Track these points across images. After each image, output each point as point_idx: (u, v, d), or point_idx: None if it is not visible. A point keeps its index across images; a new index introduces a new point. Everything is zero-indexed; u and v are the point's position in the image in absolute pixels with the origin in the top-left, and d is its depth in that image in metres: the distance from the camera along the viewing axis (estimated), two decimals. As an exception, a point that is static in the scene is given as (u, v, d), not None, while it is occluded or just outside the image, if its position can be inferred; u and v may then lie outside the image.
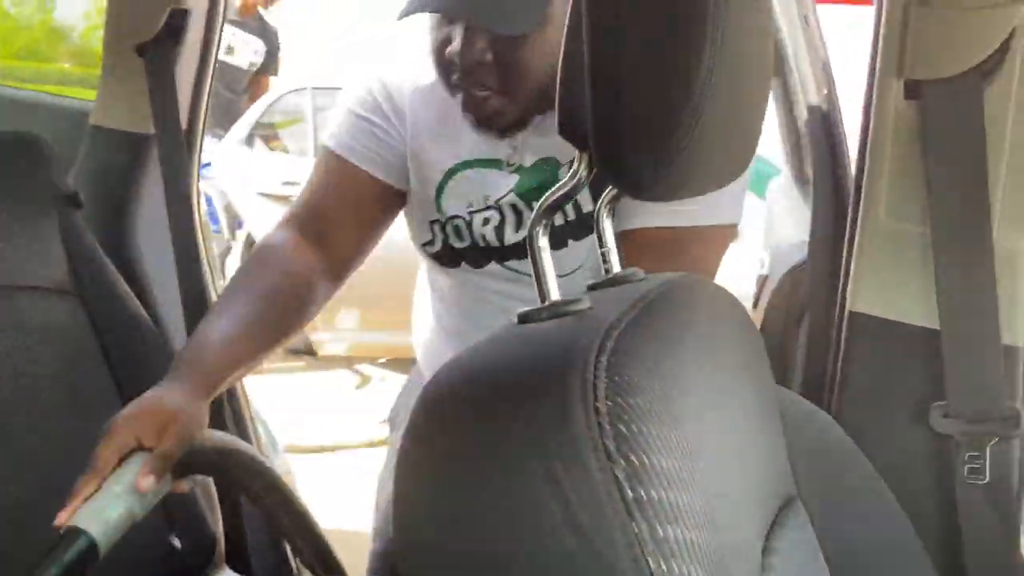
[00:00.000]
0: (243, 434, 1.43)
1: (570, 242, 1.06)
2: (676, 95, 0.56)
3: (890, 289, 0.98)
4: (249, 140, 3.81)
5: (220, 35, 1.33)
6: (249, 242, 4.12)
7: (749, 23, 0.63)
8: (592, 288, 0.79)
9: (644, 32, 0.57)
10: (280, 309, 1.01)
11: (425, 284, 1.22)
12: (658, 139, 0.57)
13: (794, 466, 0.79)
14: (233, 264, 4.15)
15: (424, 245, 1.12)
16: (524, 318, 0.65)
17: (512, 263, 1.09)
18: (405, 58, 1.09)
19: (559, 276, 1.12)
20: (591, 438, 0.50)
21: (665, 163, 0.59)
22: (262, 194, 3.57)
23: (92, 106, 1.37)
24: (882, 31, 0.91)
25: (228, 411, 1.36)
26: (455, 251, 1.09)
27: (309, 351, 4.01)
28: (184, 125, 1.30)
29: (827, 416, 0.98)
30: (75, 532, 0.80)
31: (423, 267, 1.21)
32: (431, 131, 1.06)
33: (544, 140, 1.03)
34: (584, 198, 1.03)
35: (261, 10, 3.88)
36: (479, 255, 1.09)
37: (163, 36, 1.25)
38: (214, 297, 1.36)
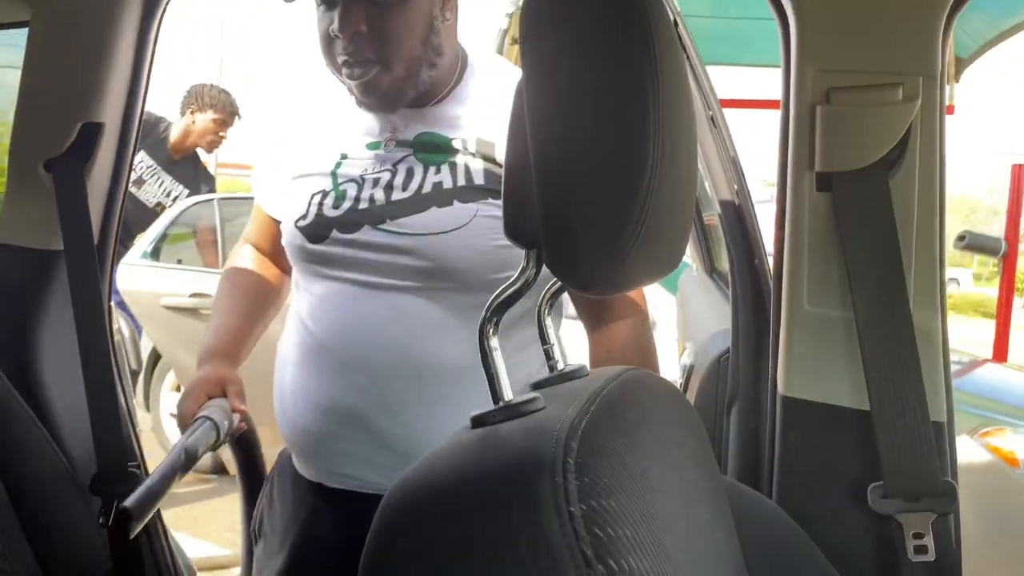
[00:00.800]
0: (160, 567, 1.33)
1: (455, 203, 1.12)
2: (624, 195, 0.57)
3: (819, 373, 1.01)
4: (155, 253, 3.70)
5: (135, 149, 1.30)
6: (154, 358, 3.94)
7: (681, 122, 0.66)
8: (538, 385, 0.78)
9: (590, 134, 0.58)
10: (263, 303, 1.38)
11: (288, 338, 1.26)
12: (608, 239, 0.58)
13: (747, 558, 0.78)
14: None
15: (296, 222, 1.19)
16: (479, 421, 0.63)
17: (387, 224, 1.13)
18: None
19: (437, 233, 1.13)
20: (567, 545, 0.48)
21: (615, 262, 0.59)
22: (168, 307, 3.45)
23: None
24: (791, 128, 0.97)
25: (146, 548, 1.27)
26: (327, 219, 1.16)
27: (220, 470, 3.83)
28: (95, 240, 1.25)
29: (773, 504, 0.98)
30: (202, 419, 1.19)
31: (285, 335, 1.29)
32: (321, 125, 1.22)
33: (419, 117, 1.16)
34: (475, 167, 1.13)
35: (202, 152, 3.73)
36: (356, 218, 1.15)
37: (74, 150, 1.21)
38: (128, 425, 1.29)
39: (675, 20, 1.36)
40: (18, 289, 1.27)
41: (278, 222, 1.26)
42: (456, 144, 1.14)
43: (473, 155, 1.13)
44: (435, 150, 1.14)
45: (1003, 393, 3.34)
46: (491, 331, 0.65)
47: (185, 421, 1.22)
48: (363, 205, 1.14)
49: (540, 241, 0.61)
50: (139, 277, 3.55)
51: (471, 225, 1.11)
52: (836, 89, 0.93)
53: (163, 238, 3.71)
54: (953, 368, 3.34)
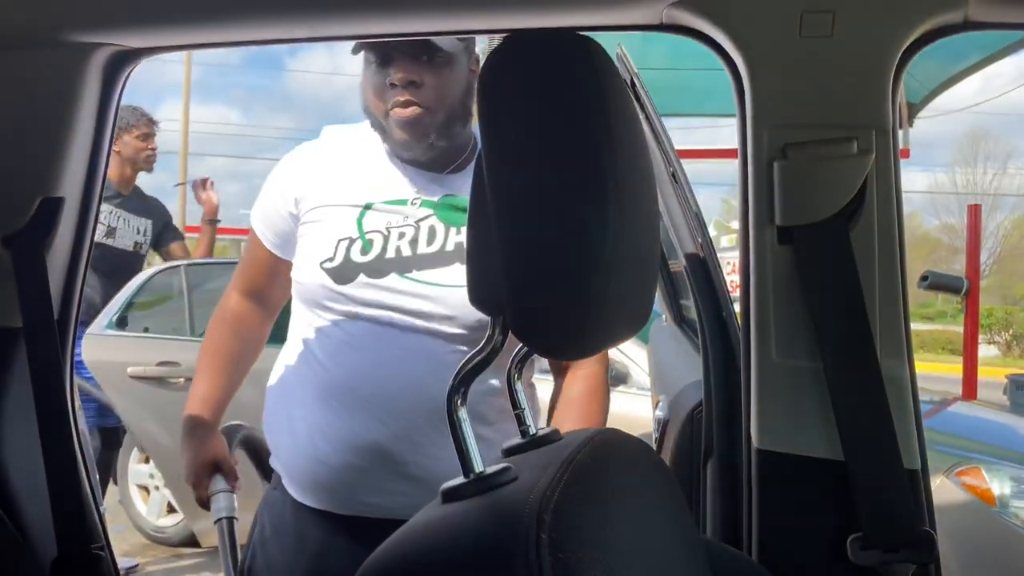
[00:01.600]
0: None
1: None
2: (587, 261, 0.57)
3: (792, 424, 1.01)
4: (121, 322, 3.64)
5: (95, 223, 1.29)
6: (120, 438, 3.84)
7: (640, 184, 0.66)
8: (510, 452, 0.77)
9: (549, 203, 0.59)
10: (239, 362, 1.50)
11: (295, 367, 1.36)
12: (573, 305, 0.58)
13: None
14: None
15: (322, 263, 1.29)
16: (450, 495, 0.62)
17: (413, 274, 1.26)
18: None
19: (460, 286, 1.21)
20: None
21: (581, 326, 0.59)
22: (135, 376, 3.39)
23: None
24: (751, 183, 0.98)
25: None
26: (355, 264, 1.27)
27: (192, 543, 3.72)
28: (56, 316, 1.22)
29: (753, 563, 0.97)
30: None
31: (282, 365, 1.40)
32: (344, 177, 1.33)
33: (440, 181, 1.32)
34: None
35: (139, 185, 3.69)
36: (383, 265, 1.27)
37: (33, 226, 1.19)
38: (92, 506, 1.24)
39: (632, 80, 1.39)
40: None
41: (278, 258, 1.42)
42: None
43: None
44: (457, 211, 1.29)
45: (975, 431, 3.37)
46: (459, 401, 0.64)
47: (203, 503, 1.48)
48: (390, 255, 1.27)
49: (505, 309, 0.61)
50: (105, 347, 3.48)
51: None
52: (792, 144, 0.95)
53: (129, 306, 3.66)
54: (925, 408, 3.38)
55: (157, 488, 3.90)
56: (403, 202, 1.31)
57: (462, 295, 1.18)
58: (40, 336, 1.17)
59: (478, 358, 0.64)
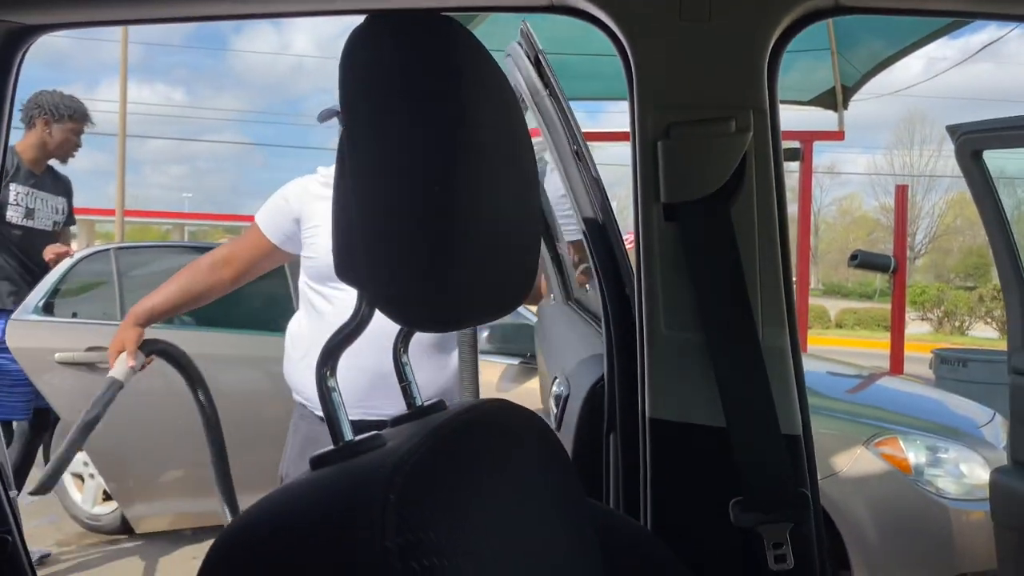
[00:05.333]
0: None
1: None
2: (436, 235, 0.60)
3: (680, 394, 1.05)
4: (47, 308, 3.56)
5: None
6: (52, 422, 3.78)
7: (505, 164, 0.69)
8: (396, 422, 0.79)
9: (405, 178, 0.61)
10: (190, 303, 2.05)
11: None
12: (424, 277, 0.60)
13: None
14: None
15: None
16: (318, 462, 0.64)
17: None
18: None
19: None
20: None
21: (437, 298, 0.61)
22: (63, 363, 3.32)
23: None
24: (638, 162, 1.02)
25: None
26: None
27: (128, 530, 3.68)
28: None
29: (641, 528, 1.01)
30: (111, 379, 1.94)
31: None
32: None
33: None
34: None
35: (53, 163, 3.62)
36: None
37: None
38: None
39: (536, 57, 1.41)
40: None
41: (275, 248, 1.99)
42: None
43: None
44: None
45: (895, 403, 3.50)
46: (328, 373, 0.66)
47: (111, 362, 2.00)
48: None
49: (367, 283, 0.63)
50: (30, 333, 3.41)
51: None
52: (675, 124, 0.98)
53: (55, 292, 3.58)
54: (852, 383, 3.48)
55: (92, 476, 3.83)
56: None
57: None
58: None
59: (343, 333, 0.66)
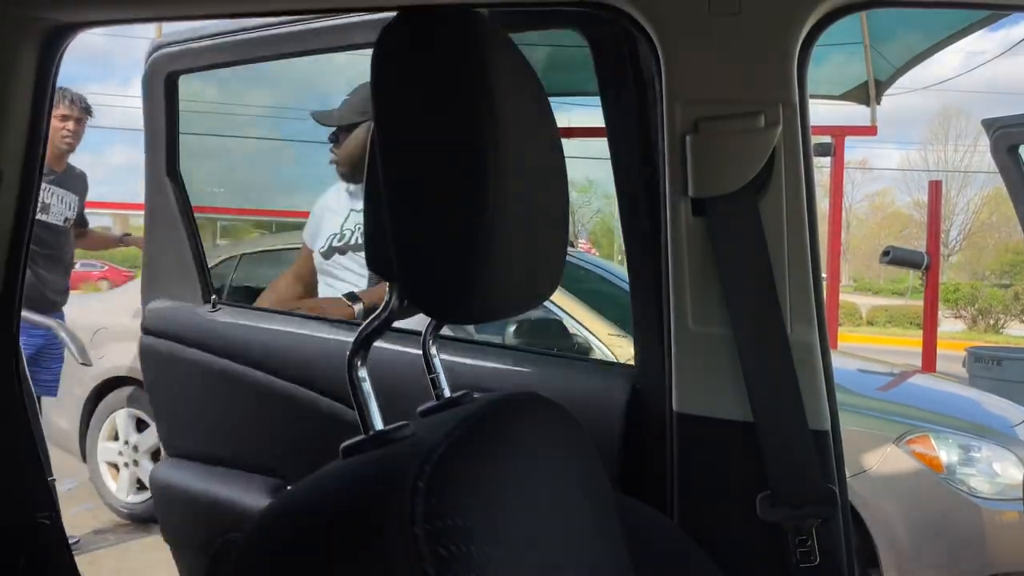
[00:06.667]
0: None
1: None
2: (467, 229, 0.61)
3: (708, 388, 1.05)
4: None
5: (36, 197, 1.30)
6: (89, 409, 3.86)
7: (536, 163, 0.69)
8: (426, 413, 0.81)
9: (435, 174, 0.62)
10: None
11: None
12: (455, 270, 0.61)
13: (639, 574, 0.81)
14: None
15: (319, 249, 2.23)
16: (349, 451, 0.66)
17: (361, 254, 1.99)
18: None
19: None
20: (409, 564, 0.50)
21: (465, 291, 0.62)
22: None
23: None
24: (666, 157, 1.02)
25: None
26: (332, 248, 2.21)
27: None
28: (0, 286, 1.24)
29: (667, 520, 1.01)
30: None
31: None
32: (344, 195, 2.25)
33: None
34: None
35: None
36: (345, 249, 2.19)
37: None
38: (42, 479, 1.26)
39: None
40: None
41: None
42: None
43: None
44: None
45: (927, 401, 3.45)
46: (359, 363, 0.67)
47: None
48: (352, 242, 2.16)
49: (397, 276, 0.64)
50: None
51: None
52: (703, 119, 0.98)
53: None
54: (883, 381, 3.44)
55: (127, 465, 3.91)
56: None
57: None
58: None
59: (376, 323, 0.67)
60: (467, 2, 1.00)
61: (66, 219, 3.60)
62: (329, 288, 2.21)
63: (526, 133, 0.68)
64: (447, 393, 0.84)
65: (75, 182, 3.64)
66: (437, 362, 0.84)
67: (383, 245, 0.65)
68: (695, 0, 0.96)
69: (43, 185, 3.44)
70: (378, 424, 0.67)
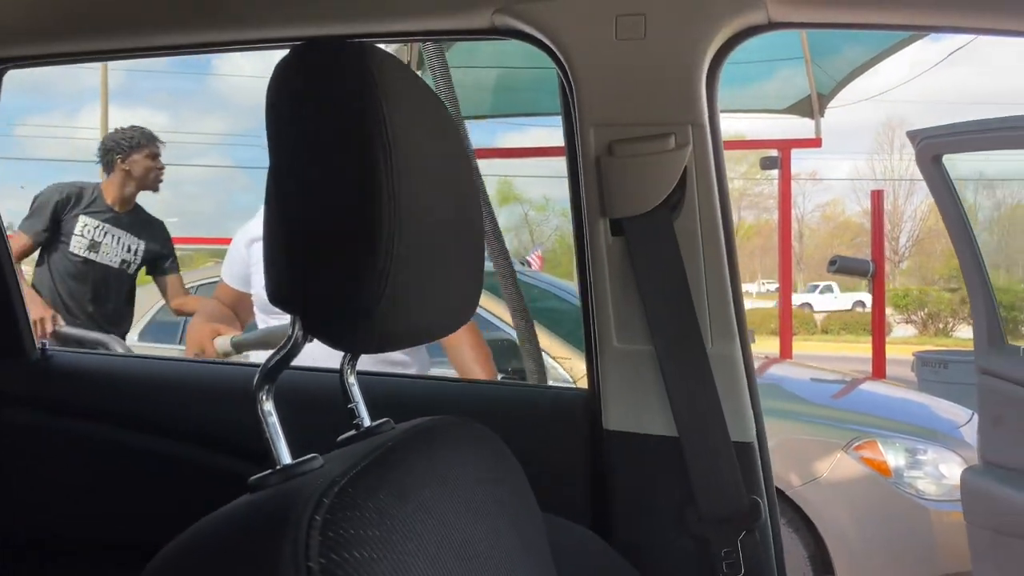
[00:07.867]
0: None
1: None
2: (363, 260, 0.61)
3: (634, 405, 1.06)
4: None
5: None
6: None
7: (443, 190, 0.70)
8: (344, 443, 0.80)
9: (332, 202, 0.62)
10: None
11: None
12: (353, 301, 0.62)
13: None
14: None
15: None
16: (255, 485, 0.65)
17: None
18: None
19: None
20: None
21: (363, 321, 0.63)
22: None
23: None
24: (582, 179, 1.03)
25: None
26: None
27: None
28: None
29: (597, 539, 1.02)
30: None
31: None
32: None
33: None
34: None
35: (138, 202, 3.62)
36: None
37: None
38: None
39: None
40: None
41: (239, 291, 2.19)
42: None
43: None
44: None
45: (874, 407, 3.52)
46: (264, 396, 0.67)
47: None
48: None
49: (300, 307, 0.64)
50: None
51: None
52: (616, 141, 1.00)
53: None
54: (834, 389, 3.49)
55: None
56: None
57: None
58: None
59: (279, 355, 0.67)
60: (377, 33, 1.02)
61: (123, 262, 3.50)
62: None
63: (430, 159, 0.69)
64: (367, 423, 0.84)
65: (143, 227, 3.54)
66: (356, 391, 0.84)
67: (282, 278, 0.65)
68: (602, 26, 0.98)
69: (95, 223, 3.41)
70: (285, 458, 0.66)
